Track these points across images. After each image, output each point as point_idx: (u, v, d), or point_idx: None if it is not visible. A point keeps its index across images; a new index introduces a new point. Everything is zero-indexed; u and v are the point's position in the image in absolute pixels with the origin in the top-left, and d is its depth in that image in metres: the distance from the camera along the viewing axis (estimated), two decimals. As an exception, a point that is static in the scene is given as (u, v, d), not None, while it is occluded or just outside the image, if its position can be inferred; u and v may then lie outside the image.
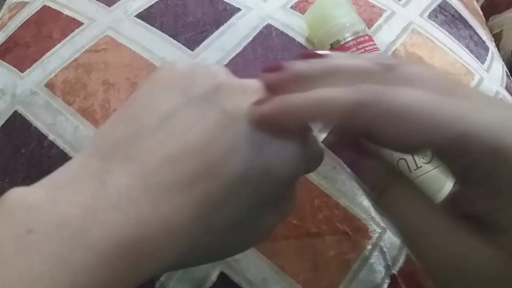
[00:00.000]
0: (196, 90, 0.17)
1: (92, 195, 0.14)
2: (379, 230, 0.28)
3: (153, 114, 0.17)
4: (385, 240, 0.28)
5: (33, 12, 0.37)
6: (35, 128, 0.31)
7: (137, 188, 0.15)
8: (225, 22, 0.35)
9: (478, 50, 0.40)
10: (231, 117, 0.16)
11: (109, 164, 0.15)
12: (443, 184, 0.26)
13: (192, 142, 0.16)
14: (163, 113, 0.16)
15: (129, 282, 0.14)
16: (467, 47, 0.39)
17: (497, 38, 0.48)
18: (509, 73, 0.43)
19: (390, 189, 0.18)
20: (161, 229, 0.15)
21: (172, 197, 0.15)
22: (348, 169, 0.21)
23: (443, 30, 0.39)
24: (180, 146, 0.16)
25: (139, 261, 0.14)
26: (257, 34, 0.34)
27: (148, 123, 0.16)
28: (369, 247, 0.28)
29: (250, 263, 0.27)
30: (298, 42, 0.34)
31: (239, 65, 0.32)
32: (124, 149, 0.16)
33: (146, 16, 0.35)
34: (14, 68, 0.34)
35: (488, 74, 0.38)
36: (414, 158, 0.27)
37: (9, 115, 0.32)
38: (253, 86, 0.18)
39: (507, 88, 0.39)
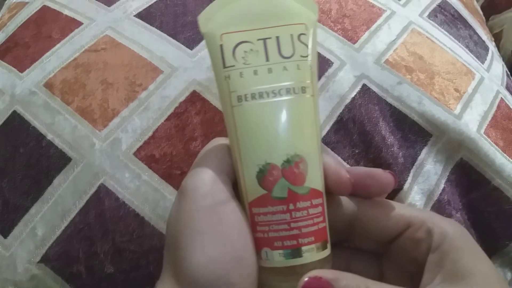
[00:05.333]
0: None
1: None
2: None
3: None
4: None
5: (33, 12, 0.37)
6: (34, 127, 0.31)
7: None
8: (225, 21, 0.34)
9: (478, 49, 0.40)
10: None
11: None
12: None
13: None
14: None
15: None
16: (467, 46, 0.39)
17: (497, 37, 0.48)
18: (509, 73, 0.43)
19: None
20: None
21: None
22: None
23: (442, 30, 0.39)
24: None
25: None
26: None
27: None
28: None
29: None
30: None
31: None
32: None
33: (145, 15, 0.35)
34: (13, 68, 0.34)
35: (489, 74, 0.38)
36: None
37: (8, 115, 0.32)
38: None
39: (507, 88, 0.39)
